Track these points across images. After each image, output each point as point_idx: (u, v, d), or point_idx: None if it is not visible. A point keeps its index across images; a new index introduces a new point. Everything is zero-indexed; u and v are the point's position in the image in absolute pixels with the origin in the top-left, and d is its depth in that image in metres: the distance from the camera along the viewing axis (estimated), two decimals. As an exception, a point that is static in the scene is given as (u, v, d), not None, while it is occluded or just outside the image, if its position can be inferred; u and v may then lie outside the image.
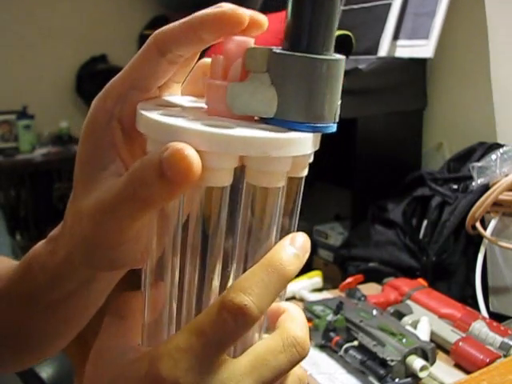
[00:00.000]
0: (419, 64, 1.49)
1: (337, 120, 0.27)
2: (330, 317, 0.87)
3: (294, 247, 0.26)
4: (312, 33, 0.26)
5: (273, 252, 0.26)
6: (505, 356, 0.77)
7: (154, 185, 0.23)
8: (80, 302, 0.35)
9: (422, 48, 1.41)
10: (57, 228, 0.33)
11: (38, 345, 0.39)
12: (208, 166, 0.24)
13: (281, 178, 0.26)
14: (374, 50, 1.51)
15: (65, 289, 0.33)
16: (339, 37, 1.44)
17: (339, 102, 0.27)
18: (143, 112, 0.26)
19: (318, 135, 0.27)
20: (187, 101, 0.31)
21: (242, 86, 0.26)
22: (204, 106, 0.29)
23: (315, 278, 1.12)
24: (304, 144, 0.26)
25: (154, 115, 0.25)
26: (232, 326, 0.23)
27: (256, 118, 0.27)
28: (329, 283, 1.22)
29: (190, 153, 0.23)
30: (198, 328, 0.24)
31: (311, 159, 0.28)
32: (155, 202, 0.24)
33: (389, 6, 1.51)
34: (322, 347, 0.86)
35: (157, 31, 0.27)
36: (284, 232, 0.29)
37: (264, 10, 2.17)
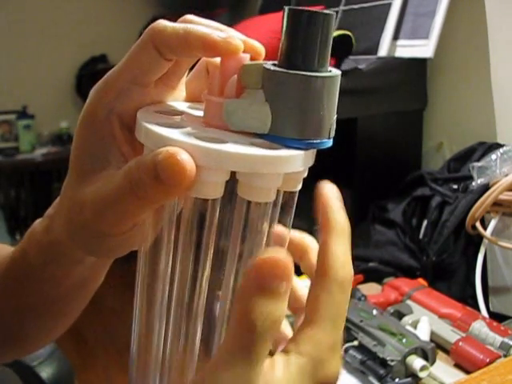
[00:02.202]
0: (419, 64, 1.49)
1: (332, 135, 0.27)
2: (330, 317, 0.86)
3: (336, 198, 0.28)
4: (307, 50, 0.25)
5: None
6: (505, 356, 0.77)
7: (149, 185, 0.24)
8: (76, 279, 0.35)
9: (422, 48, 1.41)
10: (52, 206, 0.33)
11: (33, 332, 0.39)
12: (199, 179, 0.24)
13: (271, 193, 0.26)
14: (374, 50, 1.51)
15: (59, 265, 0.33)
16: (339, 37, 1.44)
17: (335, 117, 0.27)
18: (143, 122, 0.26)
19: (313, 151, 0.27)
20: (187, 107, 0.31)
21: (238, 103, 0.26)
22: (201, 113, 0.29)
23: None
24: (294, 161, 0.26)
25: (153, 126, 0.26)
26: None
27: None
28: (329, 283, 1.22)
29: (184, 157, 0.23)
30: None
31: (305, 174, 0.29)
32: (152, 201, 0.25)
33: (389, 5, 1.51)
34: (321, 347, 0.86)
35: (153, 28, 0.27)
36: (278, 244, 0.29)
37: (264, 10, 2.17)
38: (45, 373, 0.82)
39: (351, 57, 1.46)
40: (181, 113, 0.30)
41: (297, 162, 0.26)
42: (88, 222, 0.28)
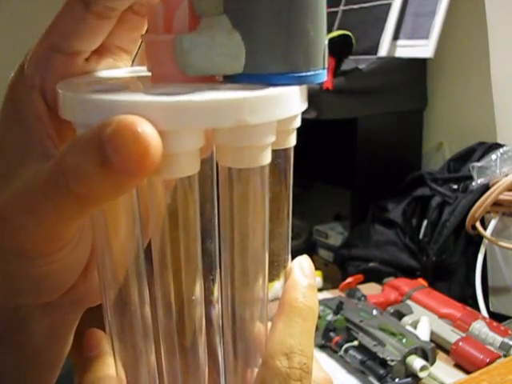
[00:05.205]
0: (419, 64, 1.49)
1: (326, 65, 0.21)
2: (330, 317, 0.87)
3: (307, 277, 0.25)
4: None
5: (292, 297, 0.24)
6: (505, 356, 0.77)
7: (93, 176, 0.17)
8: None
9: (422, 48, 1.41)
10: None
11: None
12: (165, 153, 0.17)
13: (265, 153, 0.19)
14: (374, 50, 1.51)
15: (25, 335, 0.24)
16: (339, 37, 1.44)
17: (326, 42, 0.20)
18: (64, 92, 0.19)
19: (305, 89, 0.20)
20: (127, 72, 0.23)
21: (194, 38, 0.19)
22: (148, 74, 0.21)
23: (315, 278, 1.12)
24: (291, 101, 0.19)
25: (81, 94, 0.18)
26: None
27: (219, 78, 0.20)
28: (329, 283, 1.22)
29: (146, 128, 0.16)
30: None
31: (299, 123, 0.22)
32: (97, 199, 0.18)
33: (389, 6, 1.51)
34: (322, 347, 0.86)
35: None
36: (278, 229, 0.23)
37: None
38: (45, 373, 0.82)
39: (351, 57, 1.46)
40: (117, 78, 0.22)
41: (294, 101, 0.19)
42: (6, 235, 0.19)
